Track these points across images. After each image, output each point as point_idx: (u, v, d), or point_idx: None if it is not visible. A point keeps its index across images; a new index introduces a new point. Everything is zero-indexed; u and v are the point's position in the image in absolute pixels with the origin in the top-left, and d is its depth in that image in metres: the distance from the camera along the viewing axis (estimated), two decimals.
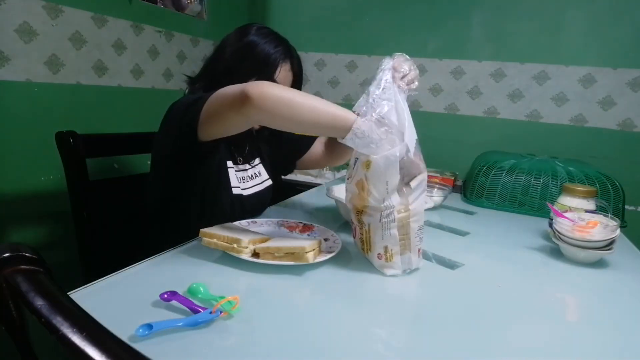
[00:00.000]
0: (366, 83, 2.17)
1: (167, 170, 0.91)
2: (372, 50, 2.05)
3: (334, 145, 1.15)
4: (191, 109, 0.79)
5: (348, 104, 2.13)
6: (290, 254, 0.72)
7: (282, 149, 1.17)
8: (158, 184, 0.97)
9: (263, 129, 1.05)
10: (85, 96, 1.39)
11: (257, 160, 1.12)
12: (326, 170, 1.89)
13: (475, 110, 1.90)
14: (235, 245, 0.73)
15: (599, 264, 0.89)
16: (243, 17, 2.23)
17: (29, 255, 0.34)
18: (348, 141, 0.73)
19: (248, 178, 1.05)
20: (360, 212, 0.75)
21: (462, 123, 1.93)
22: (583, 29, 1.70)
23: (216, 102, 0.76)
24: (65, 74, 1.32)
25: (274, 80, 0.92)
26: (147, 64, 1.61)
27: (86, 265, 1.03)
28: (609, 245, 0.86)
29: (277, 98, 0.71)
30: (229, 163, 0.99)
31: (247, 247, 0.73)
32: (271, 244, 0.75)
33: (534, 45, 1.77)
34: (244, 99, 0.70)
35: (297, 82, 1.02)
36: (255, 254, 0.74)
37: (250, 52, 0.93)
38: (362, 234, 0.76)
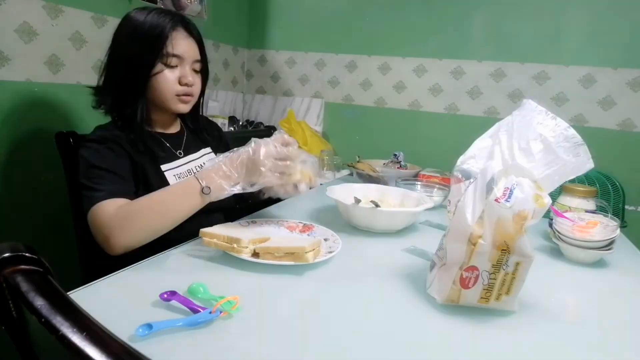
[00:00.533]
0: (366, 83, 2.17)
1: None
2: (372, 50, 2.05)
3: None
4: (82, 203, 0.82)
5: (348, 104, 2.14)
6: (290, 254, 0.72)
7: None
8: None
9: (188, 121, 1.05)
10: (85, 96, 1.39)
11: (205, 150, 1.06)
12: (326, 170, 1.89)
13: (475, 110, 1.90)
14: (235, 245, 0.73)
15: (599, 264, 0.89)
16: (243, 17, 2.23)
17: (29, 255, 0.34)
18: (212, 197, 0.78)
19: (195, 169, 0.98)
20: (505, 251, 0.60)
21: (462, 123, 1.93)
22: (583, 29, 1.70)
23: (91, 227, 0.80)
24: (65, 74, 1.32)
25: (169, 54, 0.88)
26: None
27: (86, 265, 1.03)
28: (609, 245, 0.86)
29: (135, 242, 0.77)
30: (165, 166, 0.93)
31: (247, 247, 0.73)
32: (271, 244, 0.75)
33: (534, 45, 1.77)
34: (108, 250, 0.77)
35: (201, 47, 0.96)
36: (255, 254, 0.74)
37: (137, 36, 0.88)
38: (494, 279, 0.62)
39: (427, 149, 1.94)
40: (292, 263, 0.72)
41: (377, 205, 0.96)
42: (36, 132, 1.25)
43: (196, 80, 0.94)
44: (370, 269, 0.80)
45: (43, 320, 0.28)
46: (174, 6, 1.72)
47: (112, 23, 1.43)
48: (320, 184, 1.54)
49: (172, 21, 0.89)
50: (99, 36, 1.40)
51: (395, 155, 1.75)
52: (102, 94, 0.93)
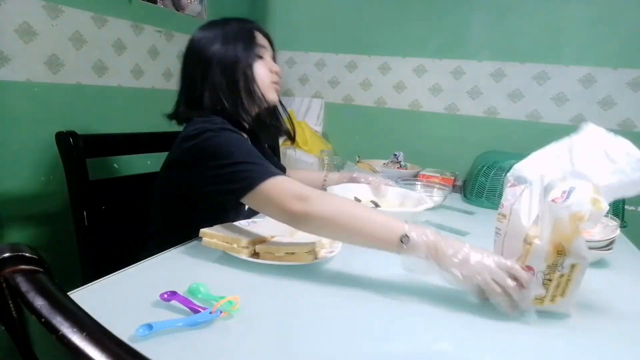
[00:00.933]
0: (366, 83, 2.17)
1: (182, 192, 0.91)
2: (372, 50, 2.05)
3: None
4: (233, 184, 0.77)
5: (348, 104, 2.14)
6: (290, 254, 0.72)
7: None
8: (169, 197, 0.96)
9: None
10: (85, 96, 1.39)
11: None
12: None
13: (475, 110, 1.90)
14: (235, 245, 0.73)
15: (599, 263, 0.89)
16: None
17: (29, 255, 0.34)
18: (404, 252, 0.67)
19: None
20: (562, 252, 0.60)
21: (462, 123, 1.93)
22: (583, 29, 1.70)
23: (262, 202, 0.76)
24: (65, 74, 1.32)
25: (258, 45, 0.96)
26: (147, 64, 1.61)
27: (86, 265, 1.03)
28: (609, 245, 0.86)
29: (321, 220, 0.72)
30: None
31: (247, 247, 0.73)
32: (271, 244, 0.75)
33: (534, 45, 1.77)
34: (291, 218, 0.73)
35: (272, 46, 1.03)
36: (255, 254, 0.74)
37: (229, 35, 0.95)
38: (549, 280, 0.62)
39: (427, 149, 1.94)
40: (292, 263, 0.72)
41: (377, 205, 0.96)
42: (36, 132, 1.25)
43: (278, 68, 1.00)
44: (371, 269, 0.80)
45: (43, 320, 0.28)
46: (174, 6, 1.72)
47: (112, 23, 1.44)
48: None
49: (242, 22, 1.00)
50: (99, 36, 1.40)
51: (395, 155, 1.75)
52: (197, 103, 0.93)
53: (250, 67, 0.94)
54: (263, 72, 0.96)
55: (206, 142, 0.80)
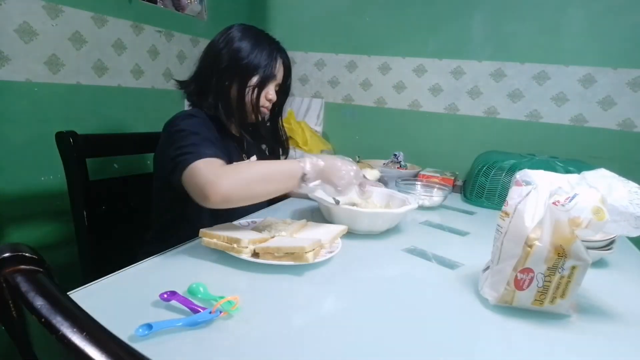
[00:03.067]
0: (366, 83, 2.17)
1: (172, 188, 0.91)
2: (372, 50, 2.05)
3: None
4: (176, 168, 0.83)
5: (348, 104, 2.14)
6: (290, 254, 0.72)
7: None
8: (164, 194, 0.98)
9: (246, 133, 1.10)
10: (85, 96, 1.39)
11: (254, 157, 1.14)
12: None
13: (475, 110, 1.90)
14: (235, 246, 0.73)
15: (599, 264, 0.89)
16: (243, 17, 2.23)
17: (29, 255, 0.34)
18: (305, 189, 0.85)
19: None
20: (562, 255, 0.60)
21: (462, 123, 1.93)
22: (583, 29, 1.70)
23: (187, 184, 0.81)
24: (65, 74, 1.32)
25: (272, 75, 1.02)
26: (147, 64, 1.61)
27: (86, 265, 1.03)
28: (609, 245, 0.86)
29: (235, 194, 0.78)
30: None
31: (247, 247, 0.73)
32: (271, 244, 0.75)
33: (534, 45, 1.77)
34: (211, 205, 0.76)
35: (288, 72, 1.09)
36: (255, 254, 0.74)
37: (252, 51, 0.99)
38: (549, 281, 0.62)
39: (427, 149, 1.94)
40: (292, 263, 0.72)
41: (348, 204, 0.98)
42: (36, 132, 1.25)
43: (275, 97, 1.06)
44: (371, 269, 0.80)
45: (43, 320, 0.28)
46: (174, 6, 1.72)
47: (112, 23, 1.44)
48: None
49: (277, 48, 1.05)
50: (99, 36, 1.40)
51: (395, 155, 1.75)
52: (199, 89, 1.02)
53: (250, 87, 1.00)
54: (262, 95, 1.02)
55: (172, 128, 0.91)
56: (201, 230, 0.77)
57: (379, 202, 1.10)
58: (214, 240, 0.75)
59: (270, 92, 1.03)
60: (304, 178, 0.82)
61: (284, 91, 1.10)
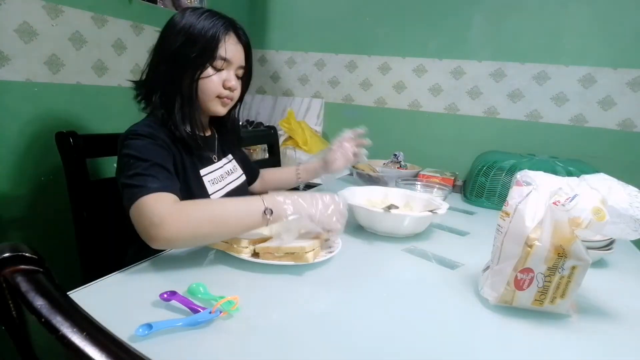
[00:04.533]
0: (366, 83, 2.17)
1: None
2: (372, 50, 2.05)
3: (267, 188, 1.23)
4: (124, 200, 0.75)
5: (348, 104, 2.14)
6: (290, 254, 0.72)
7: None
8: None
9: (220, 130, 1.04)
10: (85, 96, 1.39)
11: (230, 156, 1.09)
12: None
13: (475, 110, 1.90)
14: (235, 246, 0.73)
15: (599, 264, 0.89)
16: (243, 17, 2.23)
17: (29, 255, 0.34)
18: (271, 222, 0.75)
19: (226, 174, 1.02)
20: (562, 255, 0.61)
21: (462, 123, 1.93)
22: (583, 29, 1.70)
23: (133, 221, 0.72)
24: (65, 74, 1.32)
25: (220, 57, 0.88)
26: None
27: (86, 265, 1.03)
28: (609, 245, 0.86)
29: (181, 238, 0.70)
30: (203, 171, 0.94)
31: (247, 247, 0.73)
32: (271, 243, 0.75)
33: (534, 45, 1.77)
34: (149, 241, 0.69)
35: (248, 53, 0.95)
36: (255, 254, 0.74)
37: (189, 36, 0.86)
38: (549, 282, 0.62)
39: (427, 149, 1.94)
40: (292, 263, 0.72)
41: (394, 208, 0.96)
42: (36, 132, 1.25)
43: (238, 85, 0.94)
44: (371, 269, 0.80)
45: (43, 320, 0.28)
46: (174, 6, 1.72)
47: (112, 23, 1.44)
48: (319, 184, 1.54)
49: (224, 25, 0.90)
50: (99, 36, 1.40)
51: (395, 155, 1.75)
52: (146, 90, 0.92)
53: (196, 77, 0.88)
54: (210, 85, 0.89)
55: (122, 150, 0.82)
56: None
57: (399, 203, 1.10)
58: None
59: (229, 79, 0.90)
60: (266, 212, 0.73)
61: (246, 75, 0.97)
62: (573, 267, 0.61)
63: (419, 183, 1.37)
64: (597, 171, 1.26)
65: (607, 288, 0.79)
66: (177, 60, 0.87)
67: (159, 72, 0.90)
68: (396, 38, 1.99)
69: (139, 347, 0.27)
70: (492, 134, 1.87)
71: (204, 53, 0.87)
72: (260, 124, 2.29)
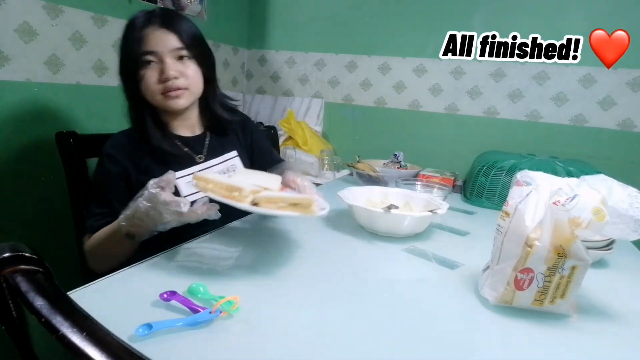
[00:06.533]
0: (366, 83, 2.17)
1: None
2: (372, 50, 2.05)
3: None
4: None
5: (348, 104, 2.13)
6: (294, 204, 0.66)
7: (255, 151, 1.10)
8: None
9: (208, 118, 1.00)
10: (85, 96, 1.39)
11: (230, 154, 1.02)
12: (326, 170, 1.89)
13: (475, 110, 1.90)
14: (237, 194, 0.66)
15: (599, 264, 0.89)
16: (243, 17, 2.23)
17: (29, 255, 0.34)
18: (142, 238, 0.80)
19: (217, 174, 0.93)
20: (562, 255, 0.60)
21: (462, 123, 1.93)
22: (583, 29, 1.70)
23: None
24: (65, 74, 1.32)
25: (143, 53, 0.85)
26: None
27: (86, 265, 1.03)
28: (609, 245, 0.86)
29: (99, 269, 0.84)
30: (179, 173, 0.89)
31: (248, 197, 0.66)
32: (273, 194, 0.68)
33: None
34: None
35: (181, 33, 0.87)
36: (254, 204, 0.67)
37: (121, 49, 0.89)
38: (549, 282, 0.62)
39: (427, 149, 1.94)
40: (296, 214, 0.66)
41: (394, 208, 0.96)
42: (36, 132, 1.25)
43: (185, 69, 0.87)
44: (371, 269, 0.80)
45: (43, 320, 0.28)
46: (174, 6, 1.72)
47: (112, 23, 1.44)
48: (319, 184, 1.54)
49: (143, 20, 0.86)
50: (99, 36, 1.40)
51: (395, 155, 1.75)
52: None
53: (136, 82, 0.87)
54: (147, 86, 0.87)
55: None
56: (195, 174, 0.71)
57: (399, 203, 1.10)
58: (210, 186, 0.68)
59: (164, 70, 0.85)
60: (128, 235, 0.77)
61: (197, 55, 0.90)
62: (573, 267, 0.61)
63: (419, 183, 1.37)
64: (597, 171, 1.25)
65: (607, 288, 0.79)
66: (122, 74, 0.90)
67: (121, 82, 0.92)
68: (396, 38, 1.99)
69: (139, 347, 0.27)
70: (492, 134, 1.87)
71: (131, 56, 0.85)
72: (260, 124, 2.29)
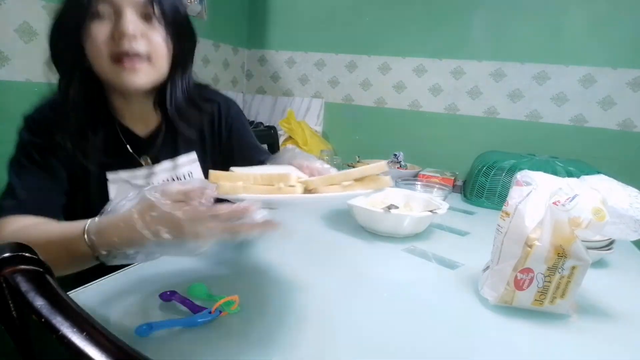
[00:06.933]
0: (366, 83, 2.17)
1: None
2: (372, 50, 2.05)
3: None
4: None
5: (348, 104, 2.14)
6: (360, 180, 0.53)
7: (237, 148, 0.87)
8: None
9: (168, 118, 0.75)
10: None
11: (187, 156, 0.81)
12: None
13: (475, 110, 1.90)
14: (282, 185, 0.51)
15: (599, 264, 0.89)
16: (243, 17, 2.23)
17: (29, 255, 0.34)
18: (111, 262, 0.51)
19: (163, 182, 0.77)
20: (562, 255, 0.60)
21: (462, 123, 1.93)
22: (583, 29, 1.70)
23: None
24: None
25: (93, 12, 0.63)
26: None
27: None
28: (609, 245, 0.86)
29: None
30: (112, 175, 0.74)
31: (295, 186, 0.51)
32: (332, 174, 0.56)
33: (534, 45, 1.77)
34: None
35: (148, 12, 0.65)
36: (308, 192, 0.54)
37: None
38: (549, 282, 0.62)
39: (427, 149, 1.94)
40: (370, 191, 0.54)
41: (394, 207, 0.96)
42: None
43: (150, 32, 0.64)
44: (371, 269, 0.80)
45: (43, 320, 0.28)
46: None
47: None
48: None
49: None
50: None
51: (395, 155, 1.75)
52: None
53: (76, 40, 0.64)
54: (92, 43, 0.63)
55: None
56: (212, 172, 0.50)
57: (399, 203, 1.10)
58: (240, 184, 0.50)
59: (120, 25, 0.62)
60: (100, 258, 0.50)
61: (168, 23, 0.67)
62: (573, 267, 0.61)
63: (419, 183, 1.37)
64: (597, 171, 1.25)
65: (607, 288, 0.79)
66: (56, 33, 0.69)
67: (50, 46, 0.70)
68: (396, 38, 1.99)
69: (139, 347, 0.27)
70: (492, 134, 1.87)
71: (75, 5, 0.63)
72: (260, 124, 2.30)
